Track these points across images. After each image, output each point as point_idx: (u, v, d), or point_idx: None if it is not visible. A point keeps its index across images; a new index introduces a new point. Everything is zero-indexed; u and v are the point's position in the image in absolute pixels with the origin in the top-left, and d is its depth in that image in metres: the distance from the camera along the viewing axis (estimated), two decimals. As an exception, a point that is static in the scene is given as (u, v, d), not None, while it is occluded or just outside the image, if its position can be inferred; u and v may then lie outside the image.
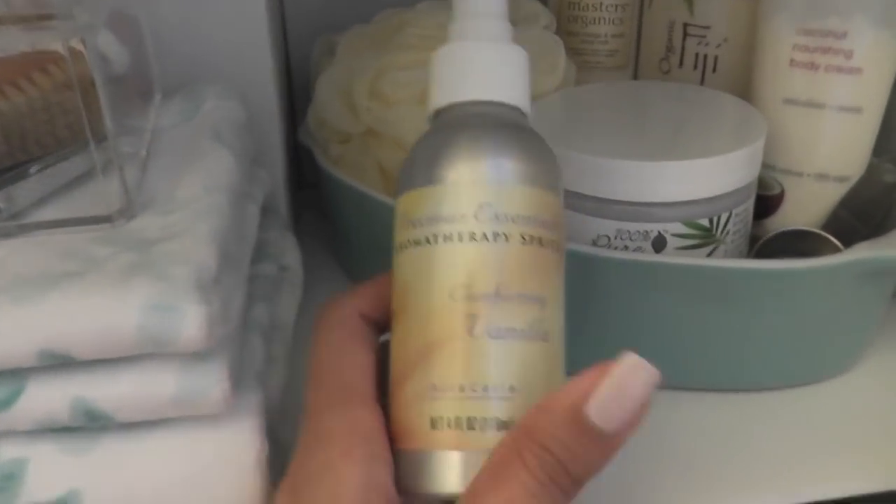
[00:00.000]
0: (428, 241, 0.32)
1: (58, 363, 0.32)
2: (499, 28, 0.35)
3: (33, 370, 0.32)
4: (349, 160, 0.54)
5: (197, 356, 0.33)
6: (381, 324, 0.35)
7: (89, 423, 0.33)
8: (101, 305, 0.31)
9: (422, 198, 0.33)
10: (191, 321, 0.31)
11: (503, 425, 0.30)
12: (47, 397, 0.32)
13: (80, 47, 0.36)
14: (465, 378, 0.31)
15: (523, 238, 0.32)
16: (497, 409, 0.30)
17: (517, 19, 0.56)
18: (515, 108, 0.35)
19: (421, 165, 0.33)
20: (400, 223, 0.34)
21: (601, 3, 0.61)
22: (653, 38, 0.62)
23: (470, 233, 0.32)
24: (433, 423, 0.31)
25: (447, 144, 0.33)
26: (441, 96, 0.35)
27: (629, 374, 0.29)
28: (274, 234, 0.49)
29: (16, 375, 0.33)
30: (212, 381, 0.33)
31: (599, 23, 0.61)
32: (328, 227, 0.60)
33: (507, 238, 0.32)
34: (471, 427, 0.30)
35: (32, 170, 0.41)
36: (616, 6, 0.61)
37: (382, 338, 0.36)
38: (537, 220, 0.33)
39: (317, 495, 0.29)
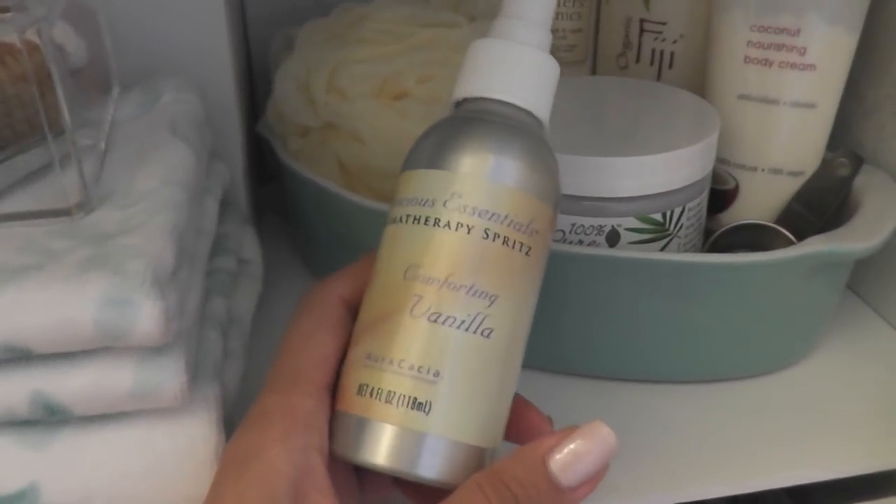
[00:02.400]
0: (401, 220, 0.34)
1: (16, 356, 0.32)
2: (540, 36, 0.36)
3: (-9, 363, 0.33)
4: (308, 154, 0.54)
5: (154, 350, 0.33)
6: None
7: (48, 417, 0.33)
8: (57, 299, 0.31)
9: (408, 179, 0.35)
10: (146, 315, 0.31)
11: (420, 407, 0.32)
12: (6, 391, 0.33)
13: (35, 39, 0.36)
14: (396, 353, 0.32)
15: (486, 233, 0.33)
16: (417, 389, 0.32)
17: (476, 13, 0.56)
18: (532, 117, 0.36)
19: (417, 149, 0.35)
20: (392, 201, 0.35)
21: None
22: (610, 34, 0.62)
23: (435, 218, 0.33)
24: (359, 389, 0.33)
25: (443, 133, 0.35)
26: (463, 88, 0.36)
27: (592, 440, 0.32)
28: (233, 227, 0.49)
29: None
30: (169, 375, 0.33)
31: (558, 18, 0.62)
32: (290, 221, 0.60)
33: (468, 230, 0.33)
34: (388, 400, 0.32)
35: (-9, 161, 0.40)
36: (574, 1, 0.61)
37: None
38: (507, 220, 0.33)
39: (247, 477, 0.30)
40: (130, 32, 0.50)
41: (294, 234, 0.61)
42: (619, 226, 0.44)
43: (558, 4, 0.60)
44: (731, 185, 0.53)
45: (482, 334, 0.33)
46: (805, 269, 0.45)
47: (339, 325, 0.35)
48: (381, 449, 0.32)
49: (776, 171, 0.52)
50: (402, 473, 0.32)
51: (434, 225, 0.33)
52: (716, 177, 0.51)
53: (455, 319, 0.32)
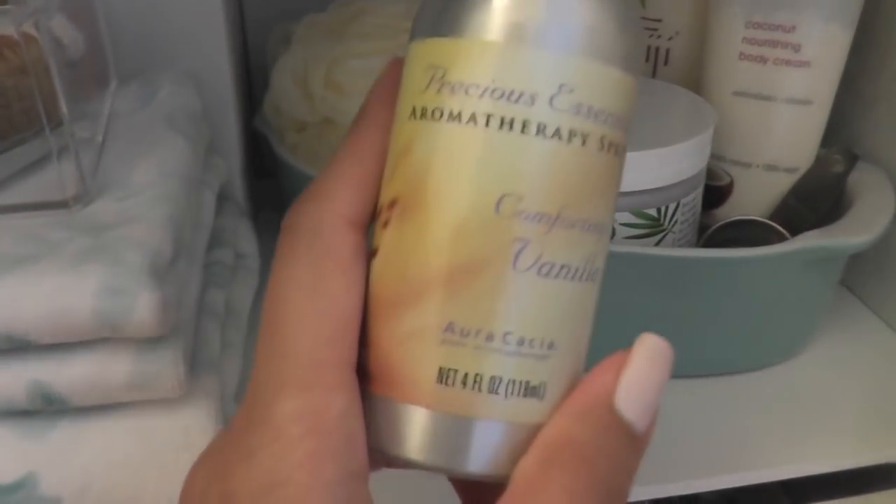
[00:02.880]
0: (474, 119, 0.23)
1: (15, 346, 0.32)
2: None
3: (-12, 353, 0.33)
4: (305, 148, 0.54)
5: (152, 341, 0.33)
6: (369, 223, 0.27)
7: (46, 407, 0.33)
8: (56, 289, 0.32)
9: (471, 52, 0.24)
10: (143, 306, 0.32)
11: (534, 392, 0.24)
12: (5, 381, 0.33)
13: (33, 32, 0.36)
14: (499, 325, 0.24)
15: (602, 144, 0.24)
16: (529, 370, 0.24)
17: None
18: None
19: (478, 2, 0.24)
20: (425, 79, 0.24)
21: None
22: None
23: (539, 123, 0.23)
24: (443, 377, 0.24)
25: None
26: None
27: (652, 361, 0.25)
28: (230, 221, 0.50)
29: (-28, 357, 0.33)
30: (166, 366, 0.33)
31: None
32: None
33: (584, 140, 0.24)
34: (492, 390, 0.24)
35: (-10, 153, 0.41)
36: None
37: None
38: (621, 120, 0.25)
39: None
40: (128, 26, 0.50)
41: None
42: (615, 220, 0.44)
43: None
44: (727, 181, 0.53)
45: (592, 279, 0.25)
46: (799, 264, 0.45)
47: (355, 266, 0.25)
48: (492, 454, 0.24)
49: (771, 168, 0.52)
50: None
51: (539, 134, 0.23)
52: (711, 173, 0.52)
53: (570, 269, 0.24)
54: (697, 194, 0.48)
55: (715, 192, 0.53)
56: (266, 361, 0.24)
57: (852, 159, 0.52)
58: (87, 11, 0.47)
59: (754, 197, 0.53)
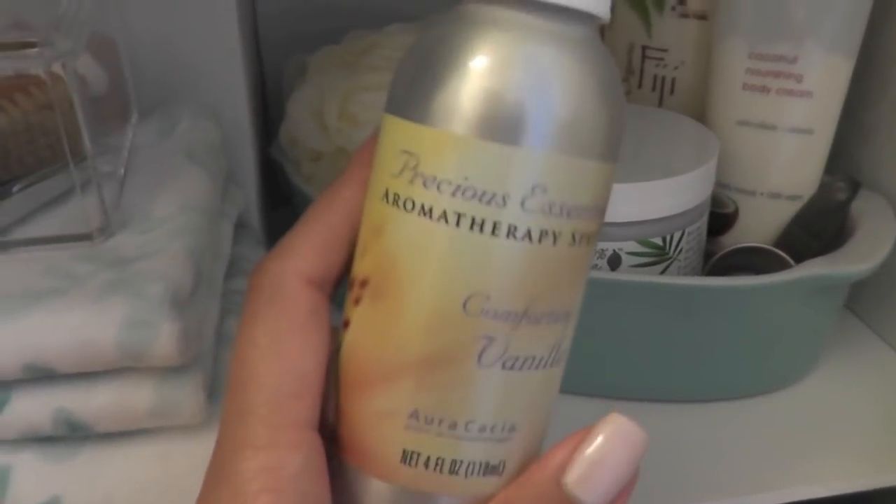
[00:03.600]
0: (445, 218, 0.23)
1: (41, 376, 0.34)
2: None
3: (17, 382, 0.34)
4: (320, 178, 0.55)
5: (173, 370, 0.34)
6: (334, 280, 0.27)
7: (70, 433, 0.35)
8: (81, 321, 0.33)
9: (444, 145, 0.23)
10: (165, 337, 0.33)
11: (493, 471, 0.25)
12: (31, 409, 0.34)
13: (60, 72, 0.37)
14: (461, 415, 0.24)
15: (573, 238, 0.24)
16: (489, 452, 0.25)
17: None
18: (596, 19, 0.25)
19: (446, 83, 0.23)
20: (398, 164, 0.24)
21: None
22: (615, 56, 0.63)
23: (510, 225, 0.23)
24: (406, 457, 0.25)
25: (497, 63, 0.23)
26: None
27: (612, 440, 0.25)
28: (248, 249, 0.51)
29: (1, 387, 0.34)
30: (187, 394, 0.34)
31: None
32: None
33: (555, 239, 0.24)
34: (454, 471, 0.25)
35: (15, 188, 0.42)
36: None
37: None
38: (595, 210, 0.25)
39: None
40: (149, 60, 0.52)
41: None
42: (621, 249, 0.45)
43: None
44: (732, 209, 0.54)
45: (557, 363, 0.26)
46: (803, 291, 0.46)
47: (314, 324, 0.26)
48: None
49: (775, 196, 0.53)
50: None
51: (509, 236, 0.23)
52: (716, 200, 0.53)
53: (535, 359, 0.25)
54: (702, 223, 0.49)
55: (720, 220, 0.54)
56: (228, 421, 0.25)
57: (855, 187, 0.53)
58: (111, 49, 0.49)
59: (759, 224, 0.54)
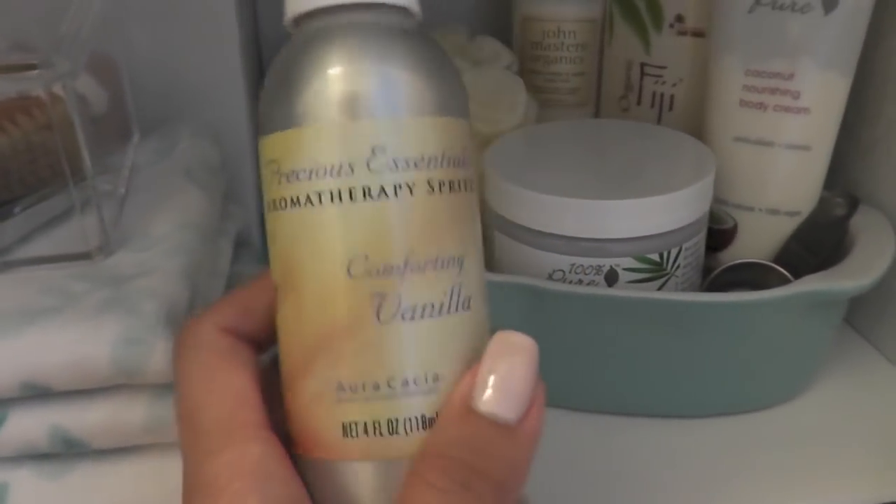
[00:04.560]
0: (310, 200, 0.26)
1: (37, 394, 0.34)
2: None
3: (14, 400, 0.34)
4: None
5: (166, 386, 0.35)
6: (255, 335, 0.30)
7: (66, 450, 0.35)
8: (76, 339, 0.33)
9: (291, 142, 0.26)
10: (160, 354, 0.33)
11: (430, 422, 0.26)
12: (27, 426, 0.35)
13: (60, 93, 0.38)
14: (379, 373, 0.26)
15: (430, 186, 0.26)
16: (421, 405, 0.26)
17: (480, 59, 0.58)
18: (401, 9, 0.28)
19: (283, 96, 0.27)
20: (269, 175, 0.27)
21: (563, 43, 0.63)
22: (612, 77, 0.64)
23: (364, 187, 0.26)
24: (345, 430, 0.26)
25: (315, 65, 0.27)
26: None
27: (509, 356, 0.27)
28: (248, 267, 0.51)
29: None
30: (181, 410, 0.35)
31: (561, 62, 0.64)
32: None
33: (410, 189, 0.26)
34: (392, 431, 0.26)
35: (17, 209, 0.42)
36: (577, 45, 0.63)
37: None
38: (446, 159, 0.27)
39: None
40: (150, 80, 0.52)
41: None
42: (618, 266, 0.46)
43: (562, 49, 0.62)
44: (730, 225, 0.54)
45: (464, 307, 0.27)
46: (801, 306, 0.46)
47: (235, 358, 0.29)
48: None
49: (773, 212, 0.53)
50: None
51: (366, 197, 0.26)
52: (715, 216, 0.53)
53: (433, 306, 0.26)
54: (700, 238, 0.49)
55: (719, 236, 0.54)
56: (186, 450, 0.27)
57: (853, 203, 0.53)
58: (111, 69, 0.49)
59: (758, 240, 0.54)
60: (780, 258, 0.53)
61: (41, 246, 0.41)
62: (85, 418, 0.34)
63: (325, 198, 0.26)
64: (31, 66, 0.38)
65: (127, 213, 0.44)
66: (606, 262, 0.46)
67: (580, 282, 0.46)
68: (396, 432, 0.26)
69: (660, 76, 0.60)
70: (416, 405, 0.26)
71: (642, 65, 0.61)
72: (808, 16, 0.50)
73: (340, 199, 0.26)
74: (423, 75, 0.27)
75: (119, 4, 0.49)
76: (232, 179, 0.53)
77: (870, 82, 0.55)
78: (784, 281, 0.50)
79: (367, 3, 0.27)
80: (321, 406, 0.27)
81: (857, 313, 0.57)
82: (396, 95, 0.26)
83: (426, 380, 0.26)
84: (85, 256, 0.40)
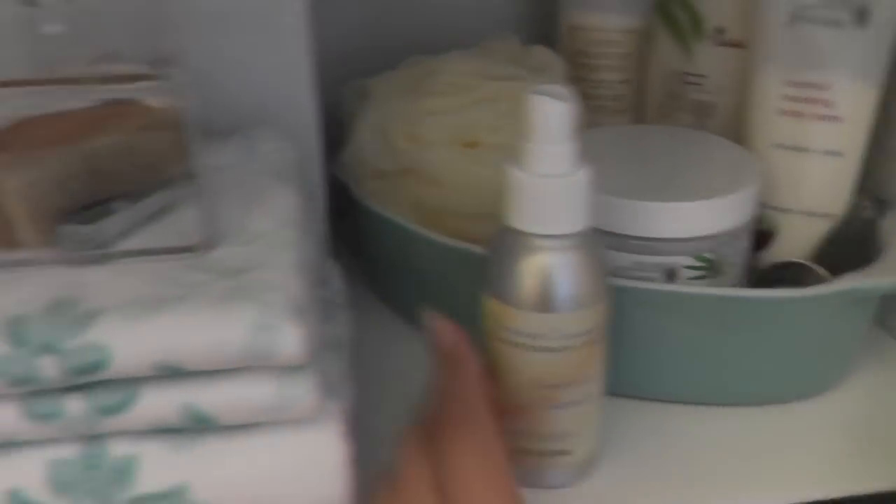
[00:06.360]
0: (516, 345, 0.43)
1: (170, 374, 0.37)
2: (567, 154, 0.40)
3: (146, 379, 0.38)
4: (383, 195, 0.59)
5: (291, 368, 0.38)
6: None
7: (195, 425, 0.38)
8: (211, 324, 0.37)
9: (510, 313, 0.43)
10: (291, 339, 0.37)
11: (563, 453, 0.46)
12: (159, 402, 0.38)
13: (175, 101, 0.41)
14: (540, 429, 0.45)
15: (581, 345, 0.43)
16: (557, 444, 0.46)
17: (530, 67, 0.62)
18: (580, 233, 0.42)
19: (506, 280, 0.43)
20: (493, 320, 0.44)
21: (607, 52, 0.67)
22: (655, 85, 0.67)
23: (545, 346, 0.43)
24: (518, 453, 0.45)
25: (524, 272, 0.42)
26: (523, 222, 0.42)
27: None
28: (320, 261, 0.54)
29: (131, 382, 0.38)
30: (304, 391, 0.38)
31: (606, 70, 0.67)
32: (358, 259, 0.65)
33: (569, 349, 0.43)
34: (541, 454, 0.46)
35: (120, 205, 0.45)
36: (621, 55, 0.67)
37: None
38: (592, 330, 0.43)
39: None
40: (226, 86, 0.55)
41: (366, 269, 0.66)
42: (677, 264, 0.49)
43: (607, 58, 0.66)
44: (771, 227, 0.58)
45: (590, 402, 0.46)
46: (838, 303, 0.50)
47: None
48: None
49: (810, 214, 0.57)
50: None
51: (544, 350, 0.43)
52: (758, 218, 0.56)
53: (573, 403, 0.45)
54: (748, 239, 0.53)
55: (761, 237, 0.58)
56: None
57: (882, 206, 0.57)
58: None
59: (796, 241, 0.58)
60: (816, 258, 0.57)
61: (145, 239, 0.44)
62: (215, 396, 0.37)
63: (526, 347, 0.43)
64: (151, 77, 0.41)
65: (221, 210, 0.46)
66: (666, 261, 0.49)
67: (642, 279, 0.50)
68: (544, 455, 0.47)
69: (701, 84, 0.64)
70: (554, 445, 0.47)
71: (684, 73, 0.65)
72: (842, 30, 0.54)
73: (536, 349, 0.43)
74: (589, 284, 0.42)
75: (189, 11, 0.52)
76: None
77: (896, 95, 0.59)
78: (822, 280, 0.53)
79: (565, 234, 0.41)
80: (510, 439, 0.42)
81: (887, 314, 0.61)
82: (572, 298, 0.42)
83: (563, 435, 0.46)
84: (188, 250, 0.43)
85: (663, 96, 0.67)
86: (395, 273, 0.61)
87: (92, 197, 0.45)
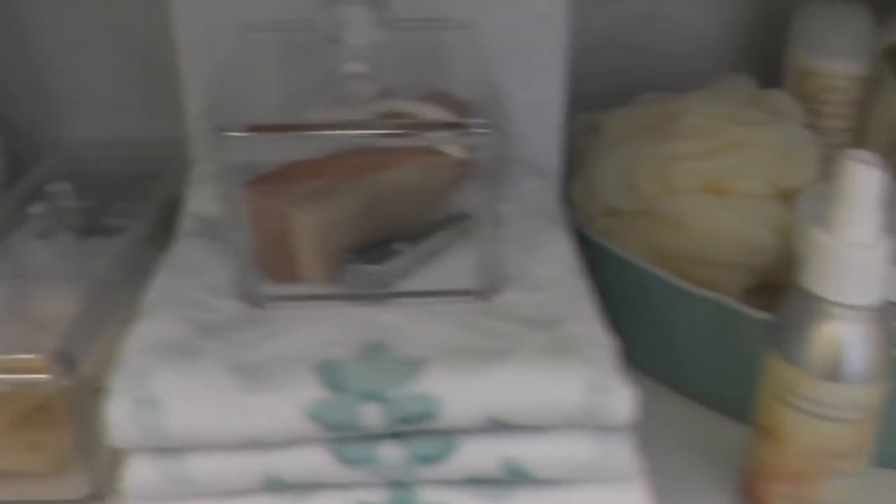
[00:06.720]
0: (802, 411, 0.42)
1: (497, 427, 0.38)
2: (876, 224, 0.40)
3: (469, 430, 0.38)
4: (616, 234, 0.59)
5: (614, 427, 0.38)
6: None
7: (510, 478, 0.39)
8: (544, 381, 0.38)
9: (800, 379, 0.42)
10: (623, 400, 0.37)
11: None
12: (479, 454, 0.38)
13: (481, 154, 0.42)
14: (817, 498, 0.45)
15: (865, 418, 0.42)
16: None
17: (772, 112, 0.61)
18: (876, 305, 0.41)
19: (799, 347, 0.42)
20: (780, 383, 0.43)
21: (833, 99, 0.66)
22: (878, 135, 0.67)
23: (832, 416, 0.42)
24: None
25: (824, 341, 0.42)
26: (824, 288, 0.41)
27: None
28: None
29: (452, 433, 0.38)
30: (626, 450, 0.39)
31: (833, 117, 0.66)
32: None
33: (853, 421, 0.42)
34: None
35: (402, 245, 0.46)
36: (849, 102, 0.66)
37: None
38: (877, 404, 0.42)
39: None
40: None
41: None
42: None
43: (836, 105, 0.65)
44: None
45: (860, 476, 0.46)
46: None
47: None
48: None
49: None
50: None
51: (831, 420, 0.42)
52: None
53: (847, 472, 0.44)
54: None
55: None
56: None
57: None
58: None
59: None
60: None
61: (422, 282, 0.45)
62: (536, 452, 0.38)
63: (812, 414, 0.42)
64: (463, 125, 0.42)
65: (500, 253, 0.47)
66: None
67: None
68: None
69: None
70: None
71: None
72: None
73: (819, 418, 0.42)
74: (881, 357, 0.42)
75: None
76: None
77: None
78: None
79: (864, 305, 0.41)
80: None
81: None
82: (863, 371, 0.42)
83: None
84: (476, 294, 0.44)
85: (886, 147, 0.66)
86: (627, 314, 0.61)
87: (376, 235, 0.46)
